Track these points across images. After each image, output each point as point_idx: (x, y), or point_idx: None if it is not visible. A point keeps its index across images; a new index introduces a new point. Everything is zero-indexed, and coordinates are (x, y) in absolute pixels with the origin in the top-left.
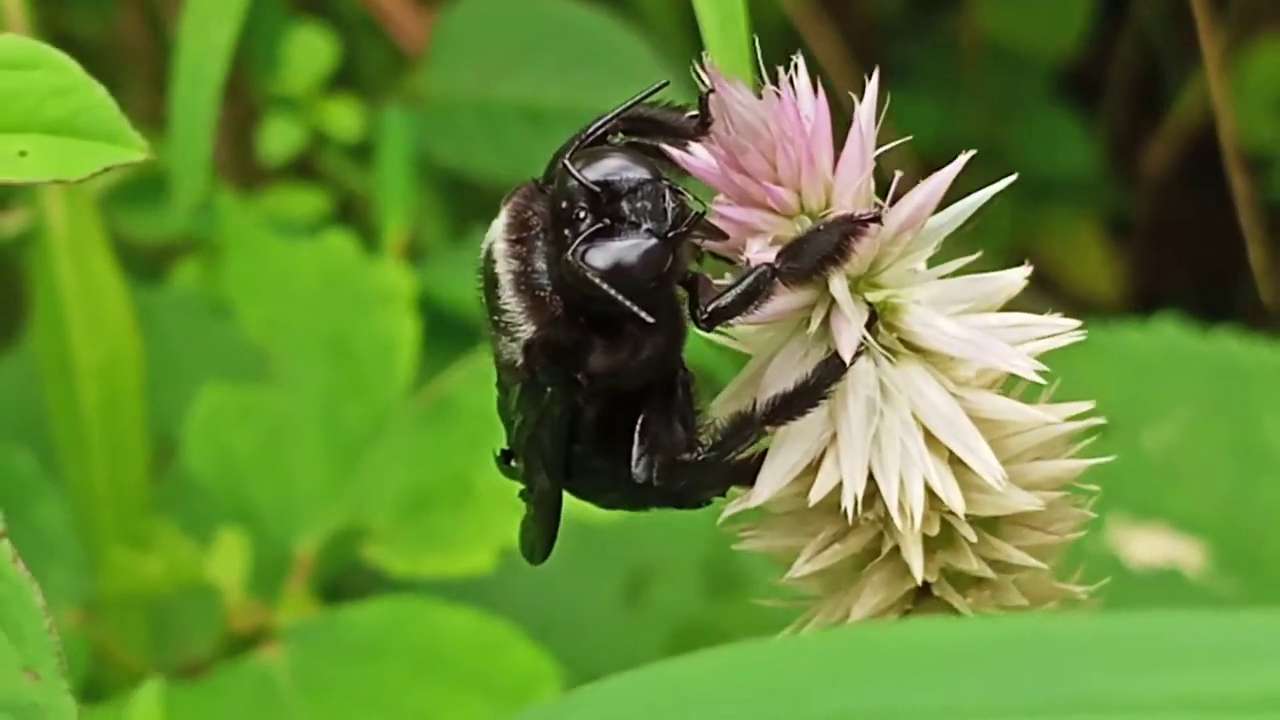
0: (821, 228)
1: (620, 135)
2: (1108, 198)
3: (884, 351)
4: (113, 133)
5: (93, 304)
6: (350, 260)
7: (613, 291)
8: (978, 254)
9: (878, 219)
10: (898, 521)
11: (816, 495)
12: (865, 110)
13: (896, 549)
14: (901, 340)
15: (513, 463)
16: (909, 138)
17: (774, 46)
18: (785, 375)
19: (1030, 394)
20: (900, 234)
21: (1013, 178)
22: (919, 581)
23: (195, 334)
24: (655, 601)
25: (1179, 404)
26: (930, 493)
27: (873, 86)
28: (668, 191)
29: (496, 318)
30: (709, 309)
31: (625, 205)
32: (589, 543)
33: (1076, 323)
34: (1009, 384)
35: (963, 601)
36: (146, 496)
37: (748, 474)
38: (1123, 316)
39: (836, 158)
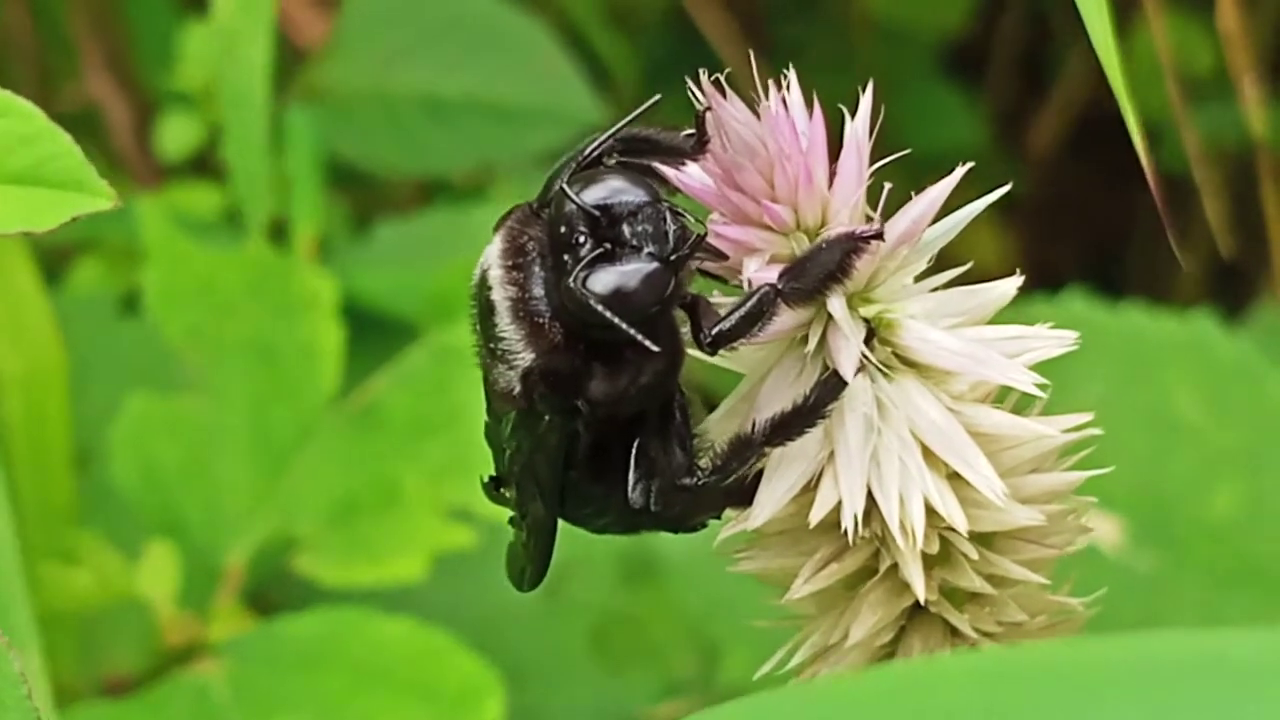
0: (824, 245)
1: (615, 156)
2: (995, 173)
3: (880, 368)
4: (79, 181)
5: (13, 312)
6: (273, 267)
7: (615, 319)
8: (968, 265)
9: (880, 235)
10: (899, 540)
11: (817, 515)
12: (860, 123)
13: (894, 567)
14: (897, 355)
15: (503, 490)
16: (908, 150)
17: (664, 31)
18: (781, 394)
19: (1020, 405)
20: (897, 248)
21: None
22: (920, 599)
23: (102, 338)
24: (573, 595)
25: (1091, 379)
26: (930, 510)
27: (866, 99)
28: (669, 213)
29: (493, 345)
30: (713, 332)
31: (626, 229)
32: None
33: (1071, 334)
34: (1000, 396)
35: (960, 618)
36: (74, 509)
37: (744, 496)
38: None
39: (832, 173)
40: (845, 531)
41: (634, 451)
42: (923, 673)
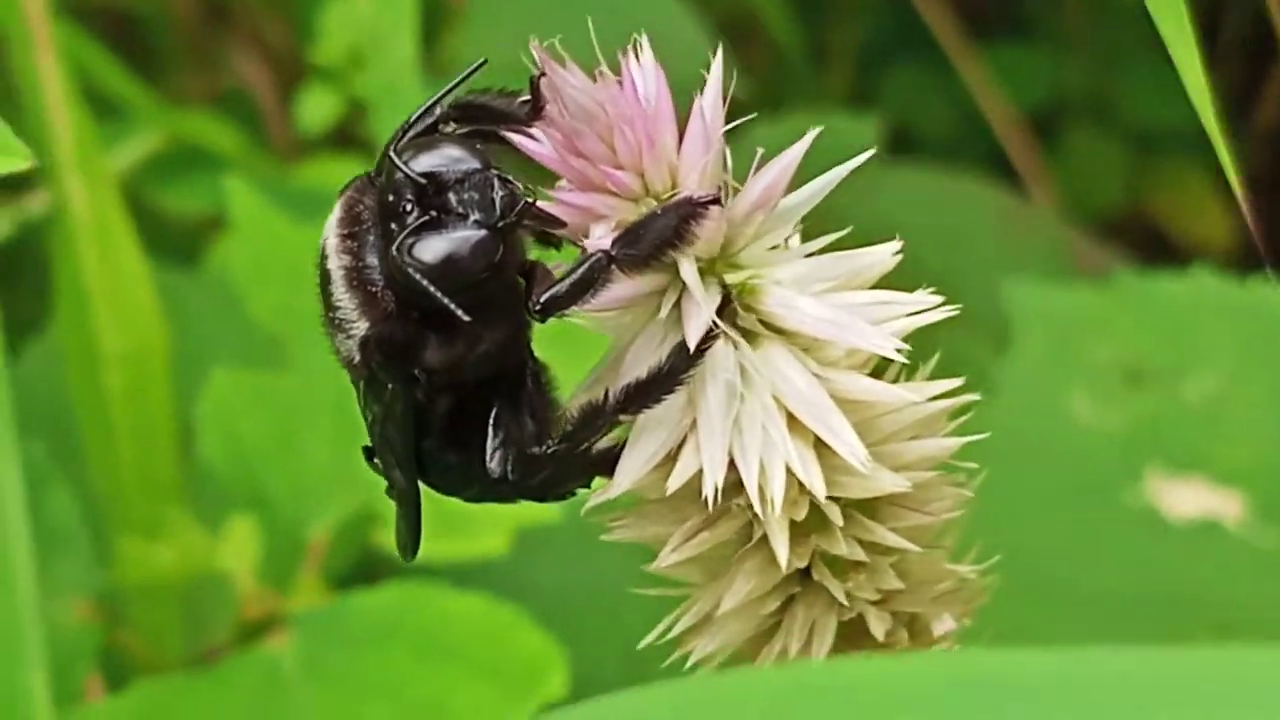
0: (659, 211)
1: (451, 124)
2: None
3: (742, 334)
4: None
5: (117, 289)
6: None
7: (430, 287)
8: (847, 229)
9: (717, 200)
10: (757, 507)
11: (674, 484)
12: (711, 87)
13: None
14: (762, 322)
15: (375, 460)
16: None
17: (883, 11)
18: (644, 361)
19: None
20: (752, 213)
21: (870, 153)
22: (781, 566)
23: (227, 317)
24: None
25: (1219, 354)
26: (795, 477)
27: (718, 62)
28: (496, 180)
29: (331, 314)
30: (542, 299)
31: (452, 196)
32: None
33: (940, 299)
34: (885, 364)
35: (837, 586)
36: (177, 484)
37: (610, 464)
38: (1241, 269)
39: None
40: (705, 500)
41: (490, 420)
42: (714, 690)
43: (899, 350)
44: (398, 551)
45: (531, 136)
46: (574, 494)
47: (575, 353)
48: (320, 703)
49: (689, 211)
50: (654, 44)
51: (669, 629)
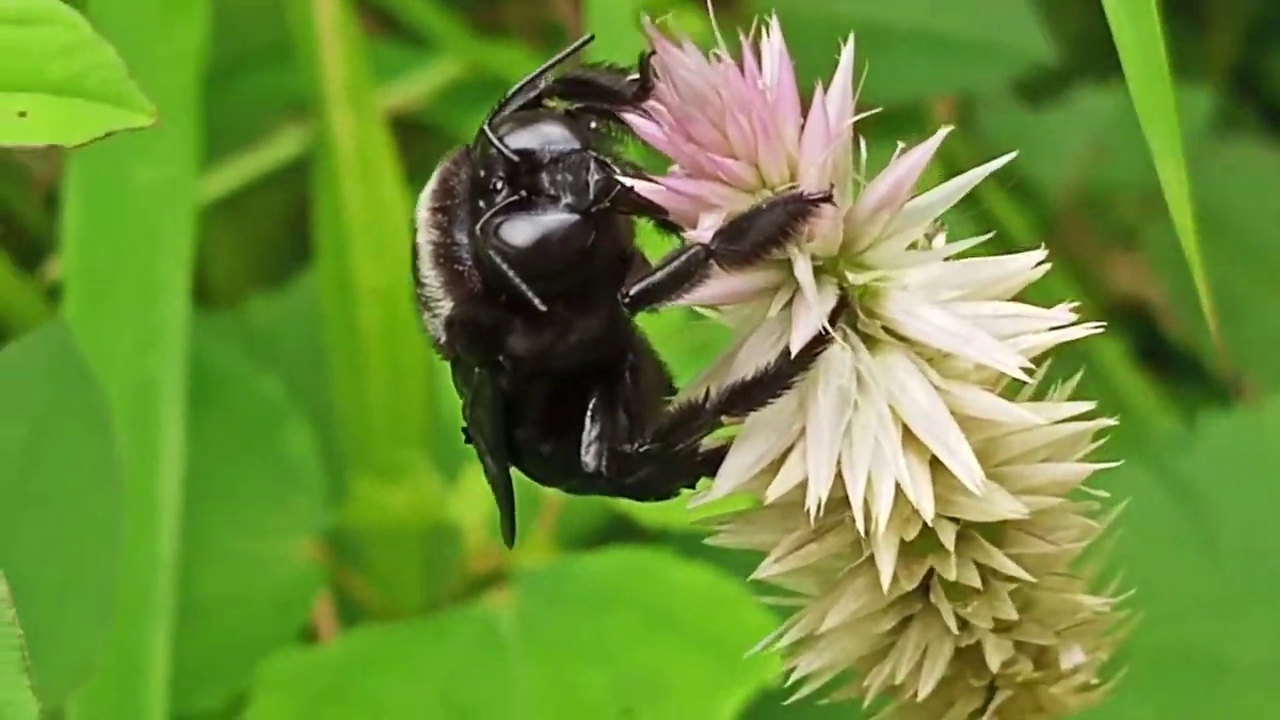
0: (764, 206)
1: (555, 99)
2: None
3: (863, 339)
4: (120, 95)
5: (378, 223)
6: None
7: (510, 271)
8: (990, 234)
9: (829, 198)
10: (859, 524)
11: (775, 492)
12: (840, 76)
13: None
14: (885, 328)
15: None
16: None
17: None
18: (755, 361)
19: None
20: (876, 213)
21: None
22: (885, 589)
23: None
24: None
25: None
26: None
27: (849, 50)
28: (594, 162)
29: (420, 291)
30: (633, 290)
31: (545, 177)
32: None
33: (1074, 317)
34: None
35: (948, 610)
36: (423, 427)
37: (716, 465)
38: None
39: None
40: (808, 512)
41: (588, 412)
42: None
43: (1025, 369)
44: (501, 539)
45: (644, 116)
46: (677, 494)
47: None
48: (534, 664)
49: (798, 209)
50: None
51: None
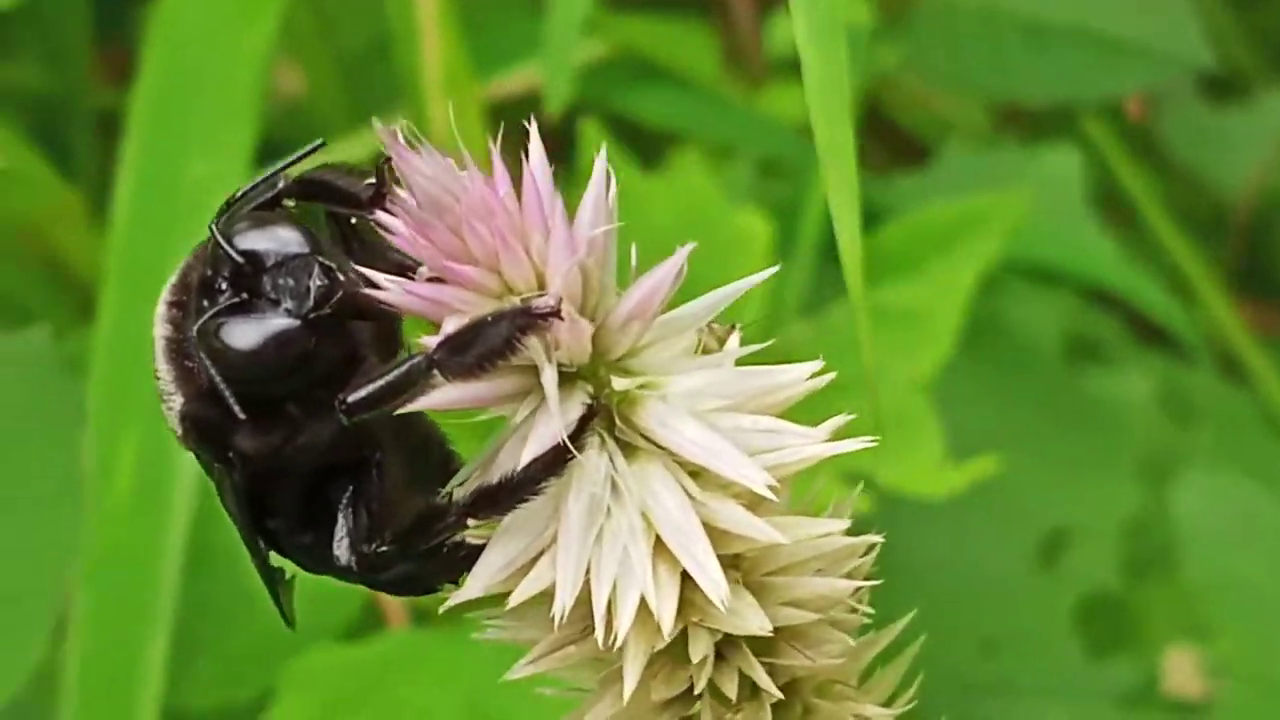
0: (490, 319)
1: (291, 199)
2: None
3: (621, 446)
4: None
5: None
6: (708, 201)
7: (219, 373)
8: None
9: (556, 313)
10: (599, 633)
11: (519, 596)
12: (594, 187)
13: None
14: (644, 436)
15: None
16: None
17: None
18: (508, 464)
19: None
20: (628, 324)
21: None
22: (624, 696)
23: None
24: (1068, 568)
25: None
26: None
27: (601, 161)
28: (318, 267)
29: (157, 383)
30: (349, 398)
31: (268, 280)
32: (1001, 496)
33: (826, 443)
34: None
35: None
36: None
37: (472, 564)
38: None
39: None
40: (553, 618)
41: (338, 508)
42: None
43: (771, 487)
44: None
45: (377, 222)
46: (438, 589)
47: None
48: None
49: (525, 321)
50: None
51: None
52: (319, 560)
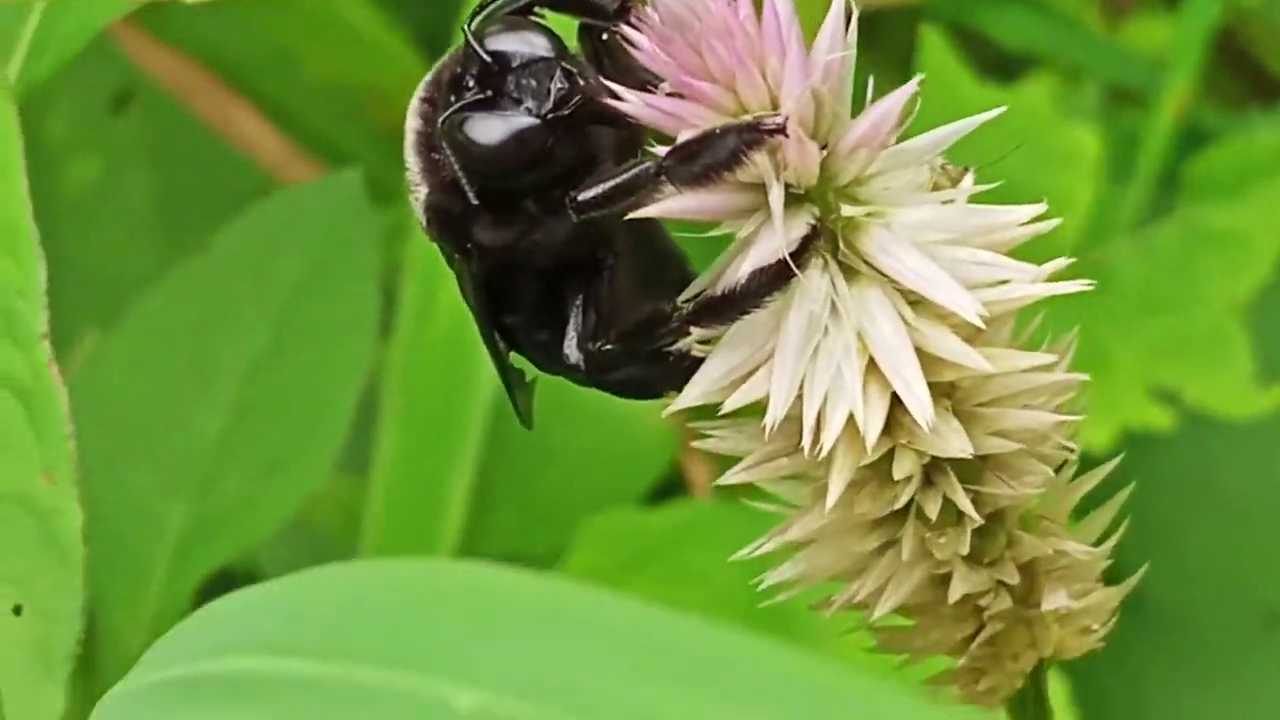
0: (719, 132)
1: (542, 7)
2: None
3: (843, 269)
4: None
5: None
6: (1041, 113)
7: (457, 165)
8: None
9: (782, 130)
10: (805, 444)
11: (734, 404)
12: (832, 16)
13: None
14: (866, 262)
15: None
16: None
17: None
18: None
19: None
20: (854, 151)
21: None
22: (827, 509)
23: None
24: None
25: None
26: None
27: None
28: (560, 71)
29: (406, 174)
30: (580, 195)
31: (512, 79)
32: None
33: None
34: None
35: (916, 537)
36: None
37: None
38: None
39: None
40: (764, 428)
41: (571, 307)
42: None
43: (985, 319)
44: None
45: (620, 34)
46: (664, 395)
47: None
48: None
49: (751, 137)
50: None
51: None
52: (553, 359)
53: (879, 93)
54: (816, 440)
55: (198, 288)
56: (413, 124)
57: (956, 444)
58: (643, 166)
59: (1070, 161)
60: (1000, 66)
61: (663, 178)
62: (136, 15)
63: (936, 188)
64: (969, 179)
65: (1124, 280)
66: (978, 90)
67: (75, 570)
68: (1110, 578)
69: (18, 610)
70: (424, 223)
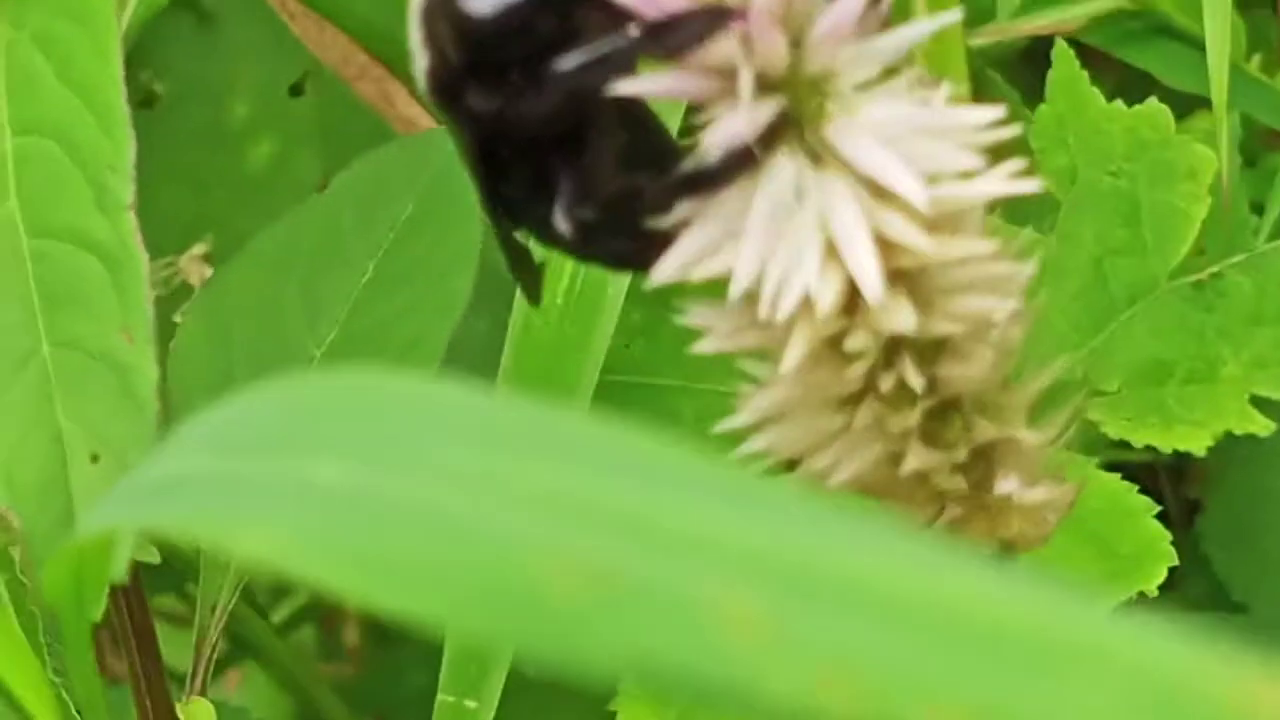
0: (687, 14)
1: None
2: None
3: (810, 155)
4: None
5: None
6: (1164, 131)
7: (447, 29)
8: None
9: (744, 16)
10: (762, 312)
11: (699, 276)
12: None
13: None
14: (831, 151)
15: None
16: None
17: None
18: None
19: None
20: (822, 43)
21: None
22: (783, 369)
23: None
24: None
25: None
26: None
27: None
28: None
29: (409, 43)
30: (555, 68)
31: None
32: None
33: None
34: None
35: (873, 414)
36: None
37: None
38: None
39: None
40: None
41: (564, 178)
42: None
43: (924, 202)
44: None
45: None
46: (648, 269)
47: None
48: None
49: (717, 21)
50: None
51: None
52: (547, 232)
53: None
54: (773, 312)
55: (312, 224)
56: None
57: (902, 319)
58: (615, 44)
59: (1189, 174)
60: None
61: (632, 50)
62: (314, 4)
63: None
64: (945, 87)
65: (1235, 293)
66: (1105, 106)
67: (148, 423)
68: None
69: (95, 458)
70: (423, 87)
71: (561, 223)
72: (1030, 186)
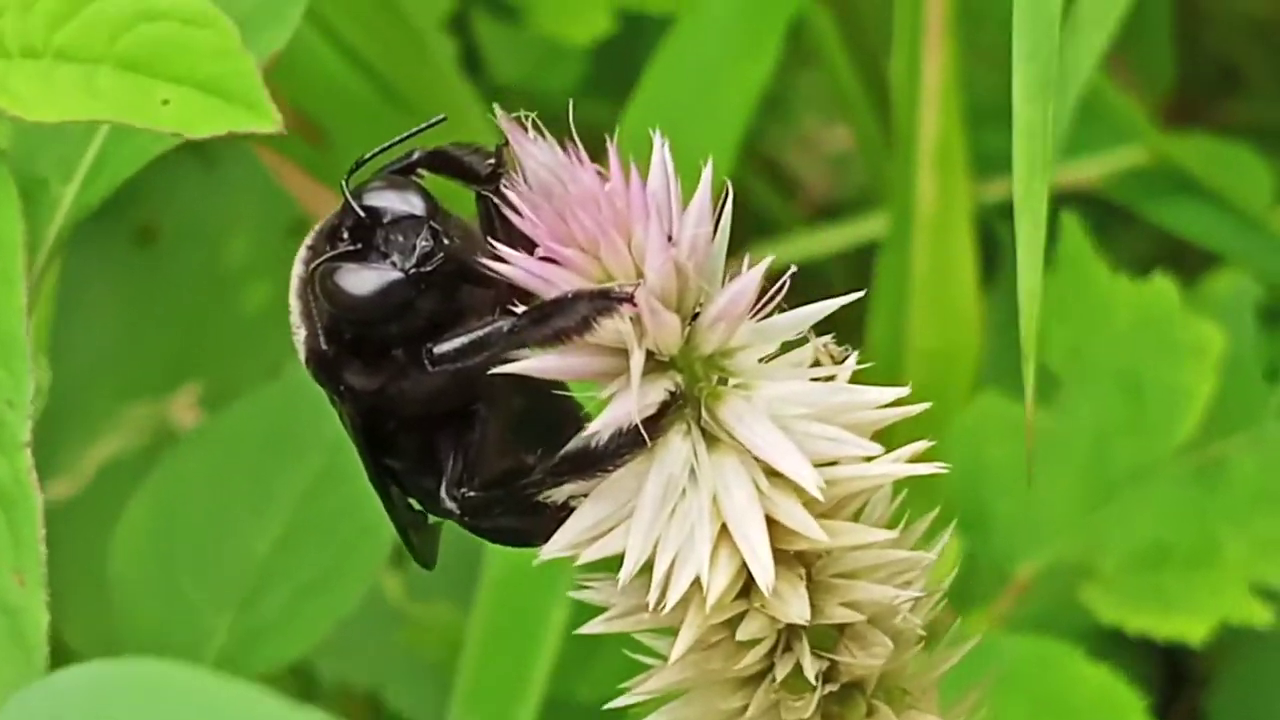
0: (571, 296)
1: (421, 169)
2: None
3: (705, 435)
4: (254, 100)
5: (943, 287)
6: (1169, 308)
7: (325, 312)
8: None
9: (630, 299)
10: (651, 600)
11: (587, 557)
12: (700, 192)
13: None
14: (725, 430)
15: None
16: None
17: None
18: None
19: None
20: (715, 324)
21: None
22: (671, 660)
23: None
24: None
25: None
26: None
27: (707, 171)
28: (427, 230)
29: (290, 317)
30: (436, 349)
31: (381, 234)
32: None
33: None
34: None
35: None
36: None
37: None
38: None
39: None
40: (618, 581)
41: (449, 453)
42: None
43: (820, 489)
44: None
45: (491, 199)
46: (538, 544)
47: None
48: None
49: (601, 305)
50: None
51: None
52: (436, 504)
53: None
54: (663, 598)
55: (267, 409)
56: (297, 270)
57: (797, 609)
58: (496, 324)
59: (1195, 354)
60: (1179, 257)
61: (510, 336)
62: (298, 160)
63: (815, 364)
64: (852, 359)
65: (1238, 474)
66: (1110, 278)
67: (37, 668)
68: None
69: None
70: (303, 362)
71: (447, 499)
72: (932, 469)
